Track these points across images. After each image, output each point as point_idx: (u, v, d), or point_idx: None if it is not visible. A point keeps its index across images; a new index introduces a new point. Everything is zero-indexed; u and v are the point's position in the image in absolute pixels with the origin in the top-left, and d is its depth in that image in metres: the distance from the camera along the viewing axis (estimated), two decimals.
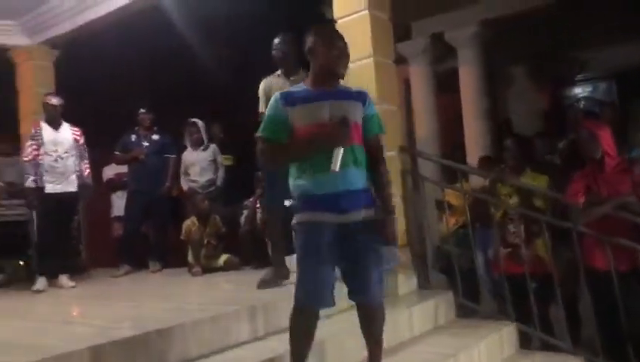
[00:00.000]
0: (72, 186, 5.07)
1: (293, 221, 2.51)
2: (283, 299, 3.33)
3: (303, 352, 2.51)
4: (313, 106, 2.48)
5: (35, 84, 6.54)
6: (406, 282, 4.14)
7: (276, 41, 4.13)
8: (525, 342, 3.85)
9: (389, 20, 4.47)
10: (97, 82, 7.33)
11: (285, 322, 2.59)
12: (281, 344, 2.70)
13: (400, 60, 7.12)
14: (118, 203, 6.56)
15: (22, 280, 5.60)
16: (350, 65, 4.25)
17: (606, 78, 7.39)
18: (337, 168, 2.36)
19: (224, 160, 5.95)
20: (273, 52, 4.12)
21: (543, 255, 3.91)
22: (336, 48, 2.54)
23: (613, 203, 3.50)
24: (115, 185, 6.78)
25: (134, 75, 7.48)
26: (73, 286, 4.94)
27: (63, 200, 5.02)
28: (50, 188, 4.99)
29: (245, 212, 5.56)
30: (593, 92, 7.64)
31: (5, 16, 6.37)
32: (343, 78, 2.62)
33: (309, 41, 2.57)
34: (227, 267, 5.18)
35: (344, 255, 2.46)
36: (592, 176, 3.65)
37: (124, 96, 7.08)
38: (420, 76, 7.18)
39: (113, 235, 6.75)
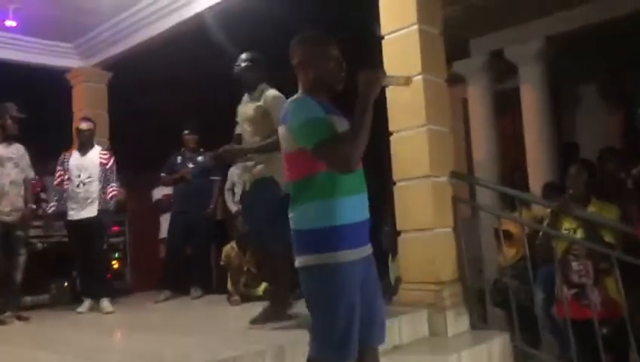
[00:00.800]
0: (92, 212, 4.99)
1: (311, 262, 2.05)
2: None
3: None
4: (336, 118, 2.17)
5: (87, 106, 6.62)
6: (456, 321, 3.77)
7: (241, 56, 3.97)
8: None
9: (440, 35, 4.17)
10: (148, 103, 7.35)
11: None
12: None
13: (458, 79, 6.79)
14: (165, 225, 6.48)
15: (66, 302, 5.63)
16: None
17: None
18: None
19: None
20: (235, 68, 3.94)
21: (614, 296, 3.43)
22: (332, 59, 2.22)
23: None
24: (163, 206, 6.72)
25: (183, 96, 7.45)
26: (112, 312, 4.86)
27: (84, 225, 4.97)
28: (71, 214, 5.00)
29: None
30: None
31: (63, 38, 6.49)
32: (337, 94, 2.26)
33: (300, 51, 2.24)
34: (266, 296, 4.93)
35: (364, 296, 2.10)
36: None
37: (174, 117, 7.06)
38: (478, 96, 6.77)
39: (160, 257, 6.67)
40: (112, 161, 5.17)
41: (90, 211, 4.97)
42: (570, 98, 7.14)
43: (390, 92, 4.10)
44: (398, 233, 4.12)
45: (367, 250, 2.16)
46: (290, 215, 2.13)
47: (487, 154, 6.53)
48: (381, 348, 3.32)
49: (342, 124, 2.16)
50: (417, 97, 3.95)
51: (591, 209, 3.59)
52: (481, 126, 6.71)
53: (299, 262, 2.09)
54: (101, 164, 5.09)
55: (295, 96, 2.23)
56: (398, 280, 4.24)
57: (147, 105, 7.29)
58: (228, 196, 5.74)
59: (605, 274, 3.48)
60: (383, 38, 4.15)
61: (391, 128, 4.12)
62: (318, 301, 2.07)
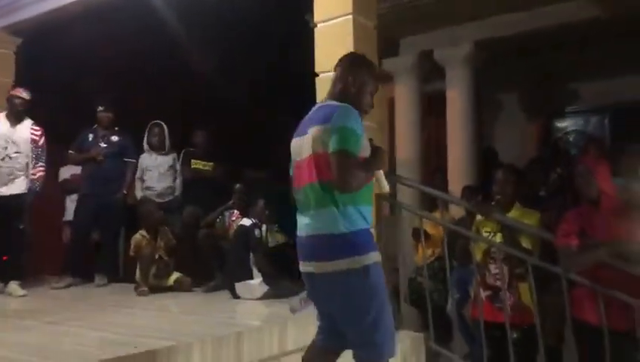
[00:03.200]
0: (18, 188, 4.64)
1: (361, 263, 2.16)
2: (229, 337, 2.92)
3: None
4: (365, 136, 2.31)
5: None
6: None
7: None
8: None
9: (375, 29, 4.07)
10: (62, 75, 6.83)
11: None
12: None
13: (388, 78, 6.78)
14: (71, 206, 6.02)
15: None
16: (328, 74, 3.99)
17: (599, 111, 7.09)
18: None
19: (203, 166, 5.49)
20: None
21: (527, 302, 3.47)
22: (375, 89, 2.49)
23: (608, 248, 3.07)
24: (70, 187, 6.24)
25: (104, 71, 6.99)
26: (24, 295, 4.54)
27: (7, 202, 4.58)
28: None
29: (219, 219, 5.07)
30: (584, 125, 7.33)
31: None
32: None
33: (364, 73, 2.45)
34: (177, 287, 4.69)
35: None
36: (588, 216, 3.23)
37: (91, 92, 6.61)
38: (405, 95, 6.79)
39: (63, 241, 6.21)
40: (43, 138, 4.85)
41: (12, 188, 4.62)
42: (492, 104, 7.31)
43: (320, 83, 3.98)
44: None
45: None
46: (321, 218, 2.22)
47: (410, 154, 6.55)
48: (296, 343, 3.26)
49: (366, 142, 2.32)
50: None
51: (513, 214, 3.60)
52: (406, 125, 6.73)
53: (344, 264, 2.15)
54: (32, 140, 4.77)
55: (338, 104, 2.32)
56: None
57: (61, 77, 6.77)
58: (137, 184, 5.40)
59: (520, 279, 3.50)
60: (315, 26, 4.01)
61: None
62: (369, 304, 2.18)
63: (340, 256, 2.16)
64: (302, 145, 2.33)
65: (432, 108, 6.85)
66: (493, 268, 3.56)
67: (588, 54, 6.29)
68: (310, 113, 2.44)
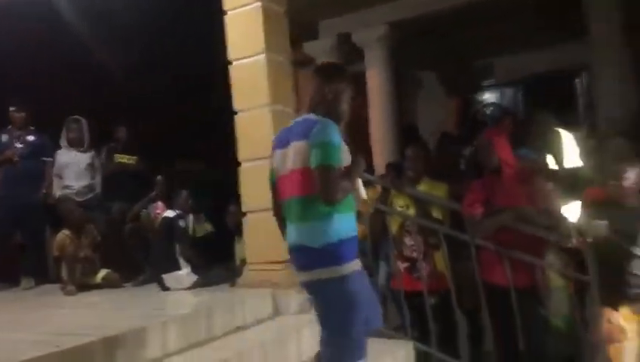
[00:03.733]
0: None
1: (339, 272, 2.26)
2: (153, 328, 2.96)
3: None
4: (344, 147, 2.39)
5: None
6: (299, 299, 3.79)
7: None
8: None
9: (285, 14, 4.13)
10: None
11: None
12: None
13: (309, 61, 6.86)
14: None
15: None
16: (242, 62, 4.04)
17: (513, 84, 7.43)
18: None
19: (127, 160, 5.43)
20: None
21: (442, 269, 3.68)
22: (352, 98, 2.54)
23: (510, 214, 3.30)
24: None
25: (19, 69, 6.72)
26: None
27: None
28: None
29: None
30: (500, 98, 7.67)
31: None
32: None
33: (342, 82, 2.50)
34: (106, 284, 4.65)
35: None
36: (490, 185, 3.45)
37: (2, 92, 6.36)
38: None
39: None
40: None
41: None
42: (412, 82, 7.54)
43: (235, 71, 4.02)
44: (244, 214, 4.07)
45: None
46: (305, 230, 2.33)
47: None
48: (223, 328, 3.33)
49: (346, 152, 2.39)
50: (261, 77, 3.90)
51: (422, 187, 3.79)
52: None
53: (322, 274, 2.27)
54: None
55: (316, 118, 2.38)
56: (243, 261, 4.20)
57: None
58: (56, 181, 5.26)
59: (434, 248, 3.70)
60: (225, 13, 4.03)
61: (235, 108, 4.04)
62: (341, 309, 2.27)
63: (321, 265, 2.28)
64: (284, 158, 2.41)
65: (355, 89, 6.97)
66: (408, 241, 3.74)
67: (500, 30, 6.55)
68: (291, 125, 2.50)
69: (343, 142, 2.36)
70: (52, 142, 5.39)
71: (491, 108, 7.74)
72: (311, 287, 2.37)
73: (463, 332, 3.82)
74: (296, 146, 2.36)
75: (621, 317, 2.90)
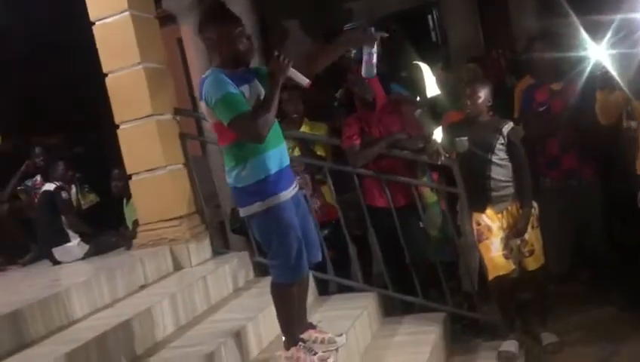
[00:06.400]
0: None
1: (258, 208, 2.45)
2: (55, 297, 2.92)
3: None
4: (247, 87, 2.45)
5: None
6: (199, 251, 3.91)
7: None
8: (322, 290, 3.89)
9: (156, 18, 4.07)
10: None
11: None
12: None
13: (172, 19, 6.68)
14: None
15: None
16: (105, 21, 3.91)
17: (372, 25, 7.73)
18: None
19: None
20: None
21: (330, 201, 3.94)
22: (245, 37, 2.51)
23: (385, 142, 3.62)
24: None
25: None
26: None
27: None
28: None
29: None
30: None
31: None
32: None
33: (215, 29, 2.47)
34: None
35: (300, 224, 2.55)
36: (365, 118, 3.73)
37: None
38: (191, 35, 6.76)
39: None
40: None
41: None
42: (279, 31, 7.60)
43: (99, 31, 3.90)
44: (129, 176, 4.04)
45: (295, 187, 2.61)
46: (231, 175, 2.48)
47: None
48: (127, 289, 3.36)
49: (254, 90, 2.47)
50: (128, 35, 3.82)
51: (304, 129, 4.01)
52: (198, 65, 6.75)
53: (245, 211, 2.49)
54: None
55: (208, 73, 2.45)
56: (135, 223, 4.19)
57: None
58: None
59: (321, 183, 3.96)
60: (93, 24, 3.87)
61: (105, 70, 3.93)
62: (272, 237, 2.49)
63: (248, 203, 2.47)
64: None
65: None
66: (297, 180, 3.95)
67: None
68: None
69: (243, 80, 2.44)
70: None
71: (354, 51, 8.03)
72: (247, 221, 2.63)
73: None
74: (201, 106, 2.52)
75: (487, 218, 3.32)
